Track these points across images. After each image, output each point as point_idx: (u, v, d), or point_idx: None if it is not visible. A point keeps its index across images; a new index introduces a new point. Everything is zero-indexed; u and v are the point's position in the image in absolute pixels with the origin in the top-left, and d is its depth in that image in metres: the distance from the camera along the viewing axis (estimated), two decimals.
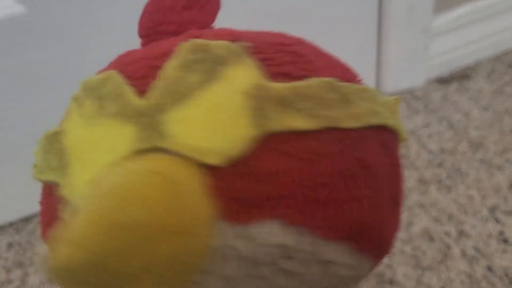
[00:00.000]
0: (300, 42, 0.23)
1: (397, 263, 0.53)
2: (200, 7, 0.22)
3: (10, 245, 0.63)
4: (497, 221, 0.55)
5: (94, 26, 0.54)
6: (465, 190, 0.60)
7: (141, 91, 0.19)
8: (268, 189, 0.17)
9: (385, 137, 0.21)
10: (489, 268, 0.50)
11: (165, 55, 0.19)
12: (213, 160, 0.17)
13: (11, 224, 0.66)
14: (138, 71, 0.19)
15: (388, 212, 0.21)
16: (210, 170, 0.17)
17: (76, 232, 0.16)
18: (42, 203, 0.23)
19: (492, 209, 0.57)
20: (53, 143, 0.20)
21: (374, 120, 0.20)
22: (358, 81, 0.22)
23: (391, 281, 0.51)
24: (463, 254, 0.52)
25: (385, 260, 0.53)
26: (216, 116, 0.17)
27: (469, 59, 0.83)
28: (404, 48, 0.78)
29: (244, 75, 0.18)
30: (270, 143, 0.17)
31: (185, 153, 0.17)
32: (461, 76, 0.82)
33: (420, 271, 0.52)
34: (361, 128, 0.19)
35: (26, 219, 0.66)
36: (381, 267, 0.52)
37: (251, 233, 0.17)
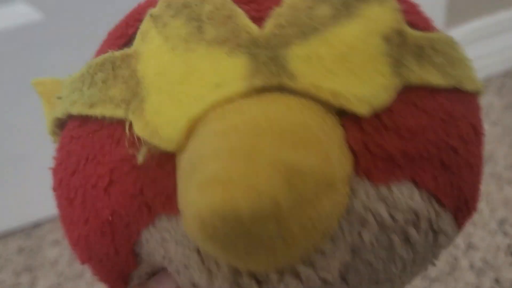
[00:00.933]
0: None
1: None
2: None
3: (20, 250, 0.63)
4: (506, 234, 0.55)
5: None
6: None
7: (256, 17, 0.15)
8: (410, 147, 0.15)
9: (478, 104, 0.19)
10: (497, 281, 0.50)
11: None
12: (357, 108, 0.14)
13: (22, 229, 0.66)
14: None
15: (479, 184, 0.19)
16: (348, 121, 0.15)
17: (236, 173, 0.12)
18: (69, 147, 0.17)
19: (501, 222, 0.57)
20: (118, 69, 0.15)
21: (478, 87, 0.18)
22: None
23: None
24: (471, 266, 0.52)
25: None
26: (353, 58, 0.15)
27: (480, 74, 0.82)
28: None
29: (385, 17, 0.15)
30: (410, 97, 0.15)
31: (322, 97, 0.14)
32: None
33: (427, 282, 0.51)
34: (472, 92, 0.18)
35: (37, 224, 0.67)
36: None
37: (392, 193, 0.15)
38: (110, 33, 0.18)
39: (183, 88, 0.14)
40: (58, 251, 0.63)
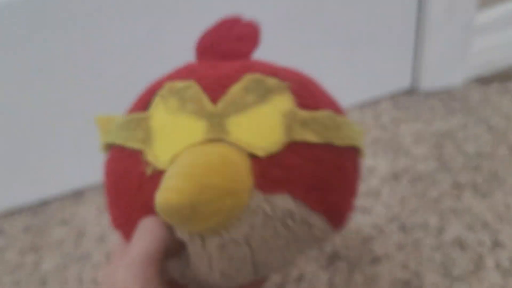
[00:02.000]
0: (311, 81, 0.31)
1: (425, 270, 0.49)
2: (246, 40, 0.32)
3: (26, 228, 0.62)
4: None
5: (113, 12, 0.53)
6: (502, 197, 0.56)
7: (213, 99, 0.27)
8: (288, 175, 0.26)
9: (354, 153, 0.31)
10: None
11: (229, 77, 0.28)
12: (258, 152, 0.26)
13: (29, 207, 0.65)
14: (210, 85, 0.28)
15: (350, 200, 0.31)
16: (254, 158, 0.26)
17: (176, 186, 0.23)
18: (113, 162, 0.30)
19: None
20: (141, 123, 0.28)
21: (351, 142, 0.29)
22: (344, 114, 0.32)
23: None
24: (497, 265, 0.48)
25: (412, 265, 0.50)
26: (263, 125, 0.26)
27: None
28: (443, 45, 0.73)
29: (283, 102, 0.27)
30: (293, 148, 0.27)
31: (240, 145, 0.26)
32: (503, 76, 0.78)
33: (449, 281, 0.48)
34: (343, 146, 0.29)
35: (44, 202, 0.66)
36: (407, 274, 0.49)
37: (273, 199, 0.26)
38: (139, 96, 0.31)
39: (172, 136, 0.27)
40: (65, 231, 0.61)
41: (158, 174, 0.26)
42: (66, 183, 0.66)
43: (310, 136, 0.27)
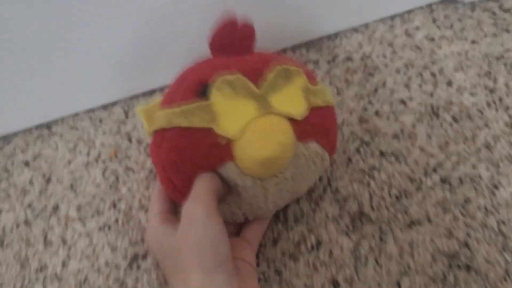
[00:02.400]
0: (291, 60, 0.42)
1: (476, 240, 0.39)
2: (249, 39, 0.42)
3: None
4: None
5: None
6: None
7: (256, 85, 0.36)
8: (313, 128, 0.37)
9: (331, 107, 0.41)
10: None
11: (259, 69, 0.37)
12: (297, 117, 0.36)
13: None
14: (250, 76, 0.36)
15: (335, 132, 0.42)
16: (292, 120, 0.36)
17: (265, 146, 0.34)
18: (182, 143, 0.36)
19: None
20: (206, 108, 0.35)
21: (332, 102, 0.41)
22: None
23: (467, 267, 0.38)
24: None
25: (460, 234, 0.39)
26: (293, 98, 0.37)
27: None
28: None
29: (301, 81, 0.38)
30: (311, 110, 0.37)
31: (284, 114, 0.35)
32: None
33: (509, 255, 0.38)
34: (331, 105, 0.41)
35: (5, 138, 0.54)
36: (454, 244, 0.39)
37: (308, 146, 0.37)
38: (177, 89, 0.39)
39: (234, 115, 0.35)
40: (27, 176, 0.50)
41: (229, 142, 0.35)
42: (31, 116, 0.55)
43: (319, 102, 0.38)
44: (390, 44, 0.59)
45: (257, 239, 0.40)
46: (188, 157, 0.36)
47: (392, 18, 0.63)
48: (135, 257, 0.42)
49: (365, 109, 0.51)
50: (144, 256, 0.42)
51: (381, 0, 0.62)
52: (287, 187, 0.37)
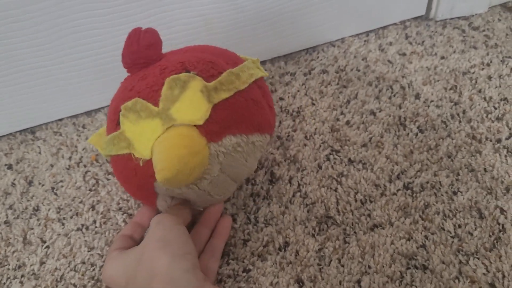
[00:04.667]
0: (212, 52, 0.44)
1: (433, 242, 0.41)
2: (153, 46, 0.42)
3: None
4: None
5: None
6: None
7: (154, 103, 0.38)
8: (222, 124, 0.38)
9: (259, 82, 0.44)
10: None
11: (156, 84, 0.39)
12: (198, 122, 0.37)
13: None
14: (148, 95, 0.38)
15: (270, 112, 0.44)
16: (198, 126, 0.37)
17: (163, 166, 0.35)
18: (119, 168, 0.42)
19: None
20: (120, 137, 0.39)
21: (252, 79, 0.42)
22: (242, 60, 0.45)
23: (424, 267, 0.40)
24: None
25: (419, 236, 0.41)
26: (192, 103, 0.37)
27: None
28: None
29: (197, 84, 0.38)
30: (216, 107, 0.38)
31: (186, 123, 0.37)
32: None
33: (464, 258, 0.40)
34: (249, 85, 0.41)
35: None
36: (413, 247, 0.41)
37: (222, 143, 0.38)
38: (109, 119, 0.42)
39: (143, 137, 0.37)
40: (10, 178, 0.52)
41: (147, 162, 0.37)
42: (15, 120, 0.56)
43: (223, 95, 0.39)
44: (364, 58, 0.62)
45: (221, 241, 0.43)
46: (127, 179, 0.41)
47: (367, 33, 0.66)
48: None
49: (337, 119, 0.54)
50: None
51: (358, 17, 0.65)
52: (223, 179, 0.40)
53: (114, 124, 0.41)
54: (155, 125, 0.37)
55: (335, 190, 0.46)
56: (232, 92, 0.39)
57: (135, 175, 0.39)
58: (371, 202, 0.45)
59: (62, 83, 0.55)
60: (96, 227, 0.46)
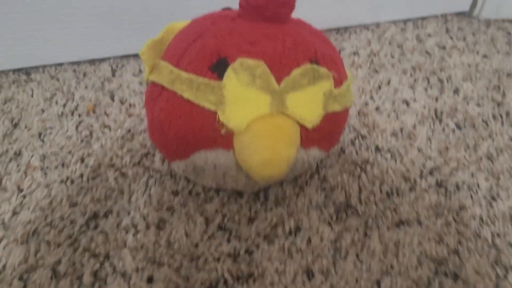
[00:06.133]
0: (336, 53, 0.38)
1: (467, 249, 0.36)
2: (287, 6, 0.34)
3: None
4: None
5: None
6: None
7: (277, 79, 0.32)
8: (319, 135, 0.35)
9: (345, 110, 0.38)
10: None
11: (285, 57, 0.32)
12: (308, 125, 0.33)
13: None
14: (272, 63, 0.32)
15: (340, 133, 0.39)
16: (303, 128, 0.33)
17: (269, 160, 0.31)
18: (178, 111, 0.33)
19: None
20: (214, 89, 0.32)
21: (352, 102, 0.38)
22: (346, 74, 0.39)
23: (455, 276, 0.34)
24: None
25: (451, 240, 0.36)
26: (311, 102, 0.33)
27: None
28: None
29: (326, 85, 0.33)
30: (325, 117, 0.34)
31: (295, 118, 0.32)
32: None
33: (501, 270, 0.34)
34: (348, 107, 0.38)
35: None
36: (443, 251, 0.35)
37: (309, 152, 0.35)
38: (191, 47, 0.34)
39: (243, 105, 0.32)
40: None
41: (229, 133, 0.32)
42: (10, 58, 0.51)
43: (336, 107, 0.35)
44: (400, 46, 0.56)
45: None
46: (177, 126, 0.33)
47: (405, 22, 0.61)
48: (94, 216, 0.38)
49: (366, 103, 0.48)
50: (105, 216, 0.38)
51: (396, 3, 0.59)
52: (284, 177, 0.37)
53: (202, 62, 0.33)
54: (263, 101, 0.32)
55: (359, 177, 0.41)
56: (342, 107, 0.36)
57: (195, 131, 0.33)
58: (398, 195, 0.39)
59: (68, 25, 0.50)
60: (82, 181, 0.40)
